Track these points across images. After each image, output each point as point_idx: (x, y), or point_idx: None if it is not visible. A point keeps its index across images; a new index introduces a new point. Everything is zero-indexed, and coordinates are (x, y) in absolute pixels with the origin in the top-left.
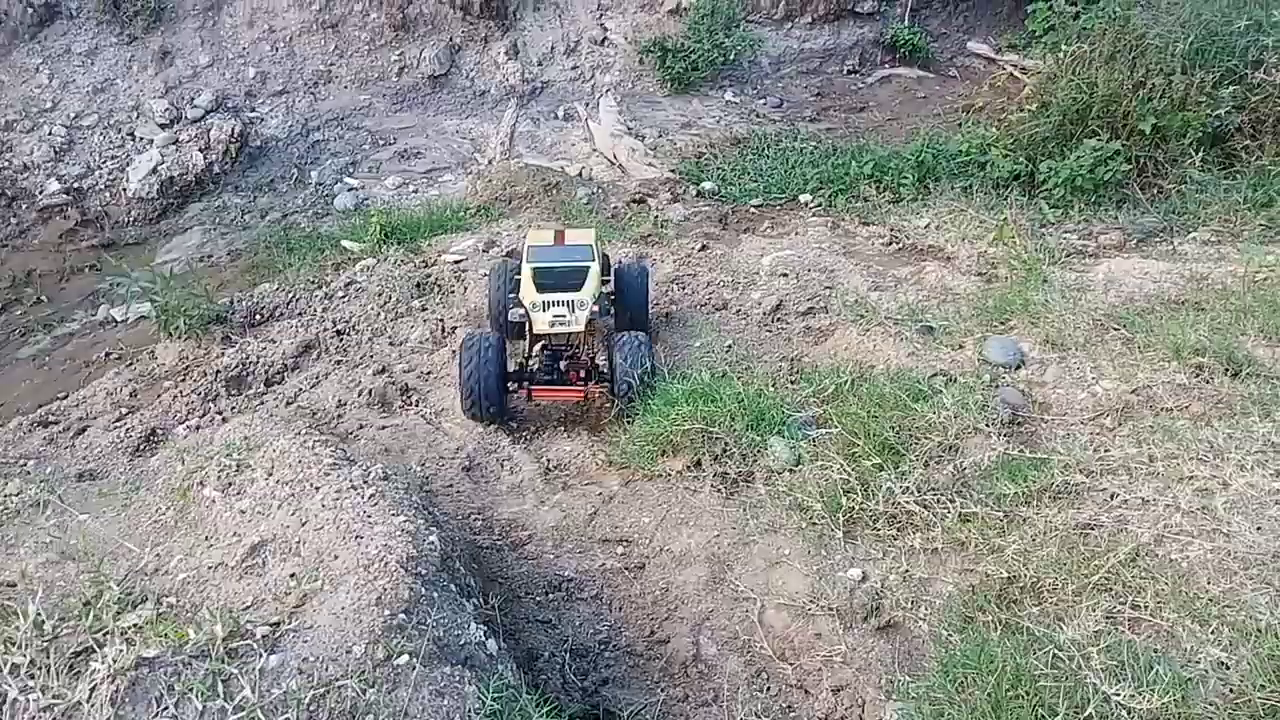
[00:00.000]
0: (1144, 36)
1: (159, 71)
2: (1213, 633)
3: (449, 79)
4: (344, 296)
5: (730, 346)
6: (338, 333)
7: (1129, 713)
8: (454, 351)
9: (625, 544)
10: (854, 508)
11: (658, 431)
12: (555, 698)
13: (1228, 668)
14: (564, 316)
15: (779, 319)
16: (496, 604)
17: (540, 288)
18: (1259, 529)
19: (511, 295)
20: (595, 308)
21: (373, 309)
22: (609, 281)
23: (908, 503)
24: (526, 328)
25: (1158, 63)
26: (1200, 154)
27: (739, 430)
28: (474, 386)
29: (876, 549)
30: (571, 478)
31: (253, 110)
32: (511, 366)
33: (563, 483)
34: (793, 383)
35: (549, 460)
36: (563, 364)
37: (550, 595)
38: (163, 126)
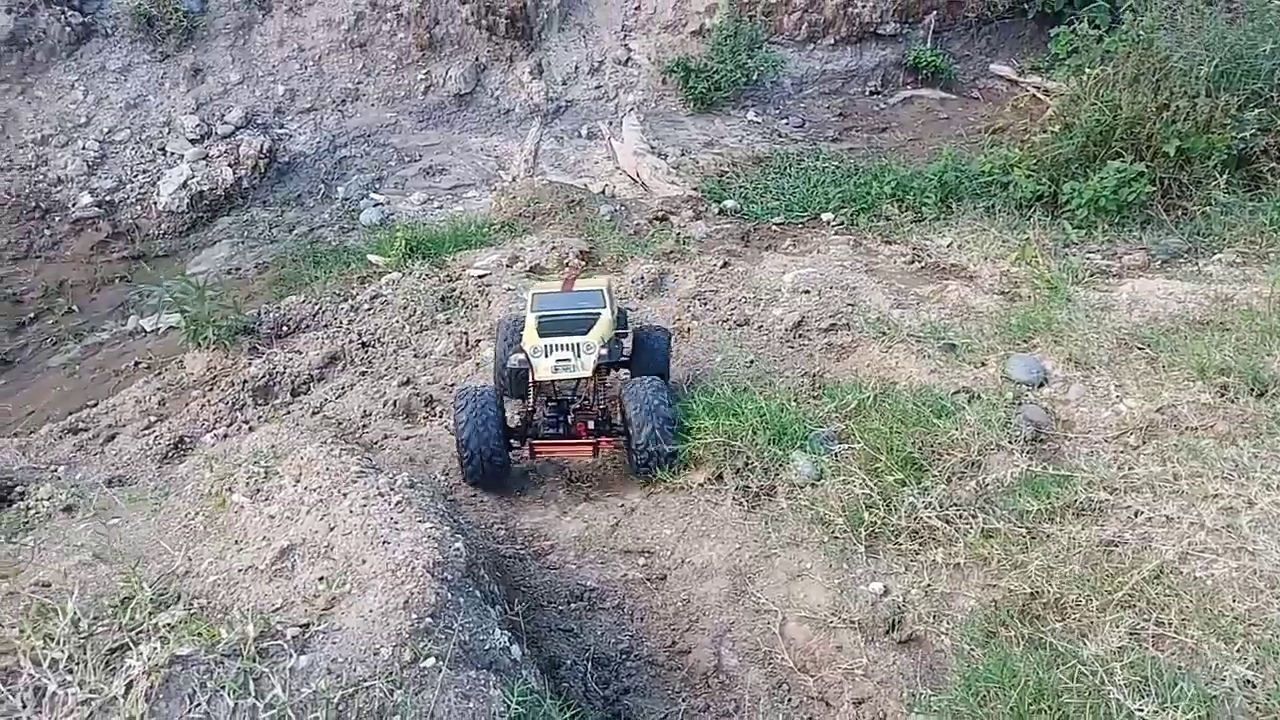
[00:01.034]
0: (1168, 59)
1: (190, 88)
2: (1238, 650)
3: (474, 97)
4: (369, 309)
5: (752, 362)
6: (363, 345)
7: None
8: (477, 364)
9: (647, 555)
10: (876, 522)
11: (680, 444)
12: (577, 705)
13: (1254, 686)
14: (568, 361)
15: (801, 335)
16: (520, 611)
17: (544, 333)
18: None
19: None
20: (603, 350)
21: (398, 322)
22: (625, 335)
23: (930, 518)
24: (528, 378)
25: (1182, 85)
26: (1225, 176)
27: (761, 444)
28: (474, 445)
29: (899, 563)
30: (593, 489)
31: (281, 127)
32: (514, 423)
33: (585, 494)
34: (815, 398)
35: (571, 471)
36: (569, 416)
37: (572, 604)
38: (193, 142)
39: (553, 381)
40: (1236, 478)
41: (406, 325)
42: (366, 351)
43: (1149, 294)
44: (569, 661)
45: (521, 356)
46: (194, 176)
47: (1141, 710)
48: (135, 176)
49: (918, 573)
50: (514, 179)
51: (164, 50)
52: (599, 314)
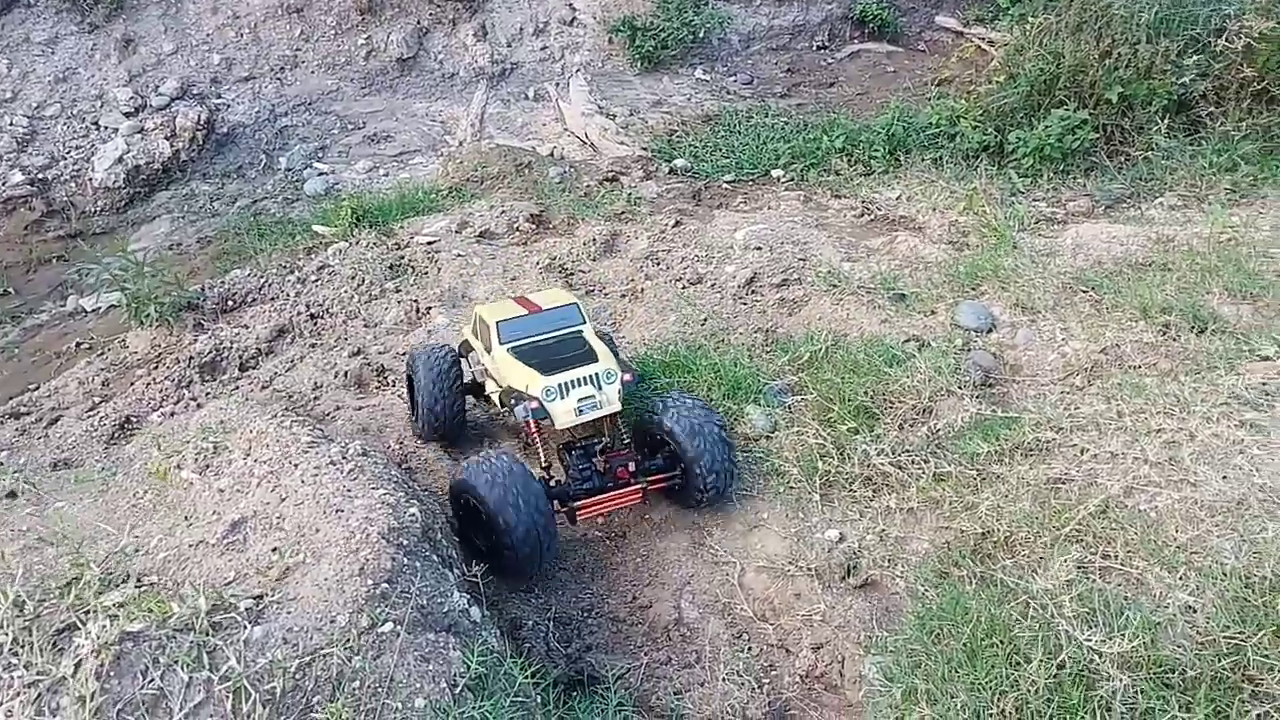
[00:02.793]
0: (1109, 6)
1: (122, 60)
2: (1180, 578)
3: (417, 62)
4: (317, 280)
5: (706, 320)
6: (311, 316)
7: (1101, 657)
8: (429, 332)
9: (606, 515)
10: (830, 471)
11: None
12: (540, 663)
13: (1195, 611)
14: (592, 398)
15: (754, 291)
16: (479, 574)
17: (544, 368)
18: (1224, 478)
19: (450, 389)
20: (628, 376)
21: (346, 292)
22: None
23: (883, 464)
24: (526, 428)
25: (1123, 32)
26: (1166, 121)
27: (716, 399)
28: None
29: (853, 510)
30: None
31: (219, 97)
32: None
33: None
34: (768, 352)
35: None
36: (600, 461)
37: None
38: (127, 115)
39: (575, 427)
40: (1178, 412)
41: (355, 295)
42: (315, 323)
43: (1093, 238)
44: (530, 621)
45: (535, 404)
46: (129, 151)
47: (1089, 640)
48: (68, 152)
49: (872, 519)
50: (461, 144)
51: (92, 20)
52: (582, 332)
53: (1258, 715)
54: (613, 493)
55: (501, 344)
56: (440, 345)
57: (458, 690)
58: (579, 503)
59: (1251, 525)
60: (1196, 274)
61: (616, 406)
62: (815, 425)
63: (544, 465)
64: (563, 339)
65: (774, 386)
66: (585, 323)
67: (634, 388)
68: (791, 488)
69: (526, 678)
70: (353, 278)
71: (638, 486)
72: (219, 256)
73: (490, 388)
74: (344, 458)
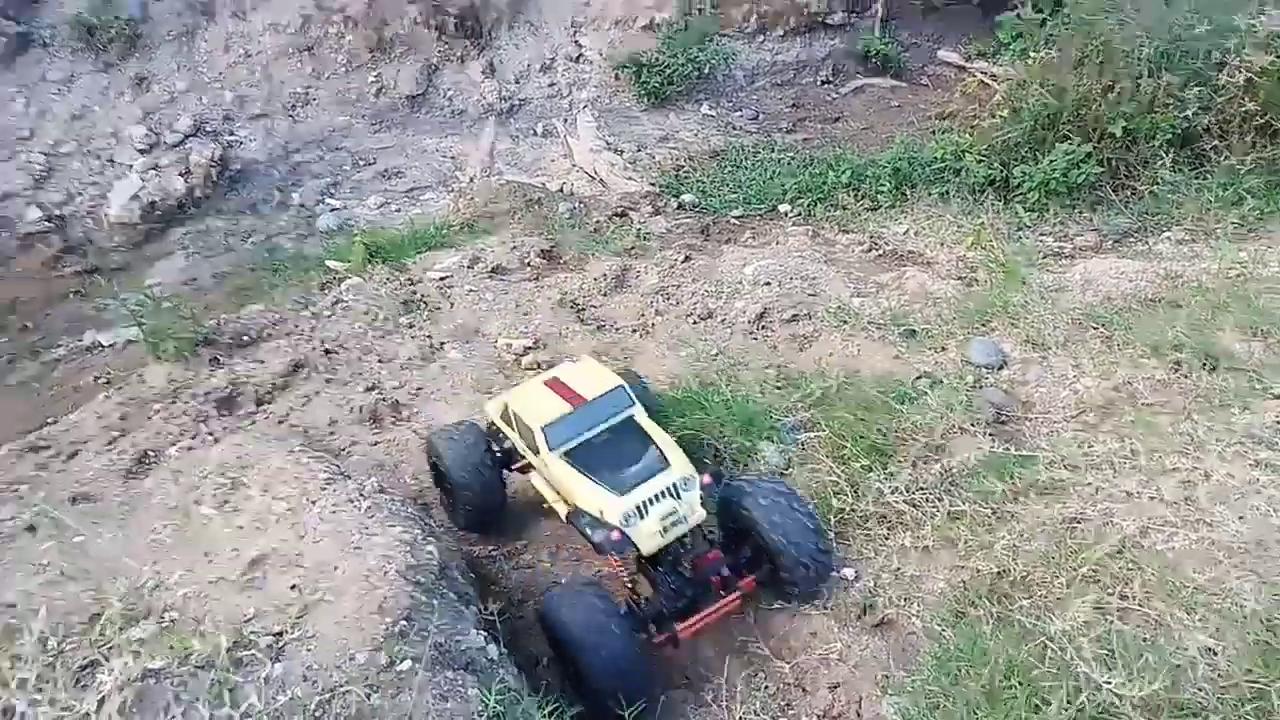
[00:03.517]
0: (1110, 42)
1: (136, 98)
2: (1200, 620)
3: (427, 99)
4: (331, 316)
5: (717, 355)
6: (326, 352)
7: (1120, 700)
8: (443, 367)
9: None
10: (844, 509)
11: None
12: (556, 700)
13: (1215, 654)
14: (674, 513)
15: (764, 327)
16: (495, 610)
17: (611, 484)
18: (1241, 518)
19: (485, 468)
20: (706, 478)
21: (360, 327)
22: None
23: (897, 502)
24: (609, 563)
25: (1125, 67)
26: (1170, 155)
27: (729, 436)
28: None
29: (868, 548)
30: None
31: (232, 134)
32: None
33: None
34: (780, 389)
35: None
36: (688, 569)
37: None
38: (142, 152)
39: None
40: (1192, 451)
41: (369, 330)
42: (330, 358)
43: (1101, 274)
44: (547, 658)
45: (615, 534)
46: (144, 187)
47: (1109, 683)
48: (84, 189)
49: (887, 557)
50: (471, 179)
51: (106, 59)
52: (634, 418)
53: None
54: (712, 606)
55: (552, 449)
56: (459, 423)
57: None
58: (679, 626)
59: (1270, 567)
60: (1206, 310)
61: (701, 515)
62: (829, 462)
63: (628, 583)
64: (620, 434)
65: (787, 423)
66: (634, 404)
67: (716, 489)
68: None
69: (544, 716)
70: (366, 313)
71: (736, 594)
72: (234, 292)
73: (541, 487)
74: (361, 495)
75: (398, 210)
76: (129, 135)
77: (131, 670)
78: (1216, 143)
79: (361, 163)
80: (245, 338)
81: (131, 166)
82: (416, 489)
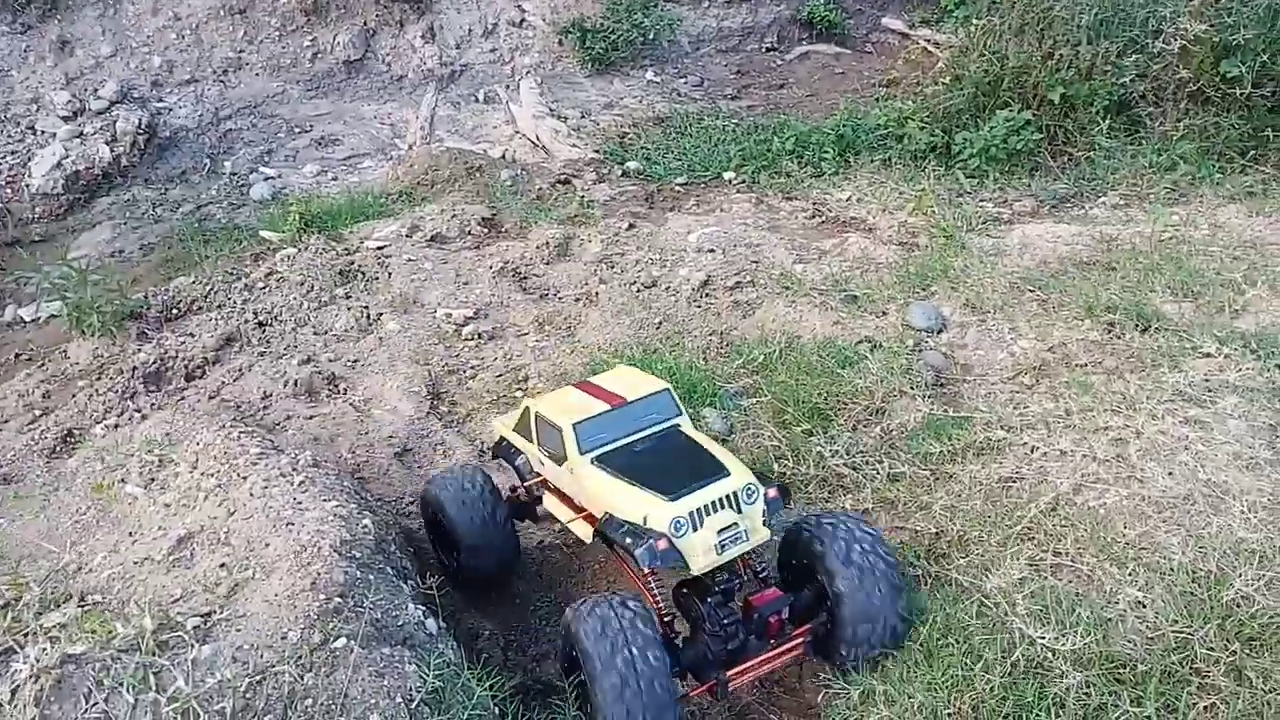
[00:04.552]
0: (1051, 9)
1: (58, 62)
2: (1130, 574)
3: (365, 64)
4: (264, 287)
5: (661, 323)
6: (260, 324)
7: (1054, 654)
8: (380, 339)
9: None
10: (786, 473)
11: None
12: (497, 673)
13: (1144, 606)
14: (734, 527)
15: (707, 294)
16: (435, 585)
17: (658, 487)
18: (1170, 474)
19: (495, 522)
20: (772, 491)
21: (295, 298)
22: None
23: (838, 465)
24: (642, 578)
25: (1064, 34)
26: (1107, 122)
27: None
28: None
29: (810, 511)
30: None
31: (160, 100)
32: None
33: (499, 463)
34: (723, 355)
35: (482, 442)
36: (737, 606)
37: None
38: (65, 119)
39: (714, 567)
40: (1124, 410)
41: (304, 301)
42: (264, 331)
43: (1038, 238)
44: (487, 631)
45: (662, 543)
46: (68, 156)
47: (1042, 637)
48: (3, 158)
49: None
50: (410, 147)
51: (25, 21)
52: (681, 427)
53: (1205, 706)
54: (770, 653)
55: (583, 453)
56: (462, 466)
57: (413, 705)
58: (730, 672)
59: (1197, 521)
60: (1139, 273)
61: (765, 535)
62: (770, 427)
63: (662, 616)
64: (664, 443)
65: (730, 390)
66: (682, 413)
67: (781, 504)
68: None
69: (484, 689)
70: (302, 284)
71: (798, 640)
72: (163, 264)
73: (556, 509)
74: (294, 469)
75: (334, 179)
76: (51, 102)
77: (50, 656)
78: (1152, 109)
79: (296, 130)
80: (174, 311)
81: (54, 134)
82: (353, 463)
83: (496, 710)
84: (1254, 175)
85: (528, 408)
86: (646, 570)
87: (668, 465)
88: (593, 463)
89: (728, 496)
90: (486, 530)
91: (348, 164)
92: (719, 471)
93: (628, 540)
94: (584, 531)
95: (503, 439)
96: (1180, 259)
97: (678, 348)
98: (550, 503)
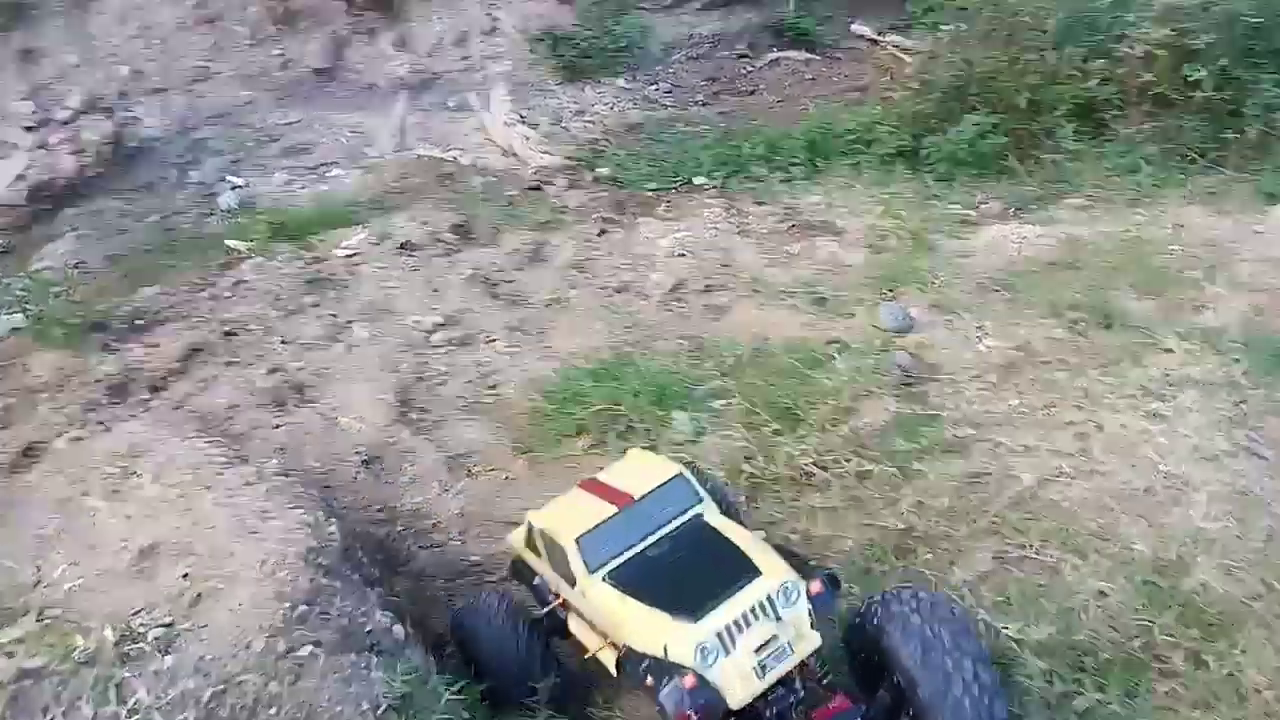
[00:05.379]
0: (1017, 15)
1: (22, 72)
2: (1092, 565)
3: (335, 73)
4: (231, 297)
5: (632, 327)
6: (226, 334)
7: (1018, 644)
8: (349, 348)
9: None
10: (755, 473)
11: (563, 414)
12: (466, 678)
13: (1106, 596)
14: (774, 640)
15: (679, 298)
16: (402, 591)
17: (674, 606)
18: (1133, 466)
19: (532, 649)
20: (817, 585)
21: (263, 308)
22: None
23: (807, 465)
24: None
25: (1030, 39)
26: (1073, 125)
27: (643, 406)
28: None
29: (779, 510)
30: (475, 465)
31: (128, 110)
32: None
33: (467, 470)
34: (694, 358)
35: (452, 450)
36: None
37: (458, 580)
38: (29, 130)
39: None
40: (1088, 405)
41: (273, 311)
42: (230, 341)
43: (1005, 239)
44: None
45: (689, 681)
46: (32, 167)
47: (1006, 628)
48: None
49: (796, 518)
50: (381, 155)
51: None
52: (704, 517)
53: (1165, 691)
54: None
55: (593, 571)
56: (487, 596)
57: (380, 711)
58: None
59: (1158, 512)
60: (1103, 272)
61: (815, 642)
62: (740, 429)
63: None
64: (685, 541)
65: (700, 392)
66: (702, 499)
67: (831, 599)
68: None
69: (452, 694)
70: (269, 293)
71: None
72: (128, 275)
73: (582, 634)
74: (260, 478)
75: (304, 187)
76: (14, 112)
77: (6, 671)
78: (1116, 113)
79: (266, 139)
80: (139, 321)
81: (17, 145)
82: (321, 471)
83: (465, 715)
84: (1215, 176)
85: (532, 522)
86: (676, 717)
87: (687, 572)
88: (604, 580)
89: (762, 604)
90: (521, 654)
91: (317, 172)
92: (747, 572)
93: (649, 681)
94: (609, 658)
95: (517, 558)
96: (1143, 258)
97: (649, 352)
98: (576, 626)
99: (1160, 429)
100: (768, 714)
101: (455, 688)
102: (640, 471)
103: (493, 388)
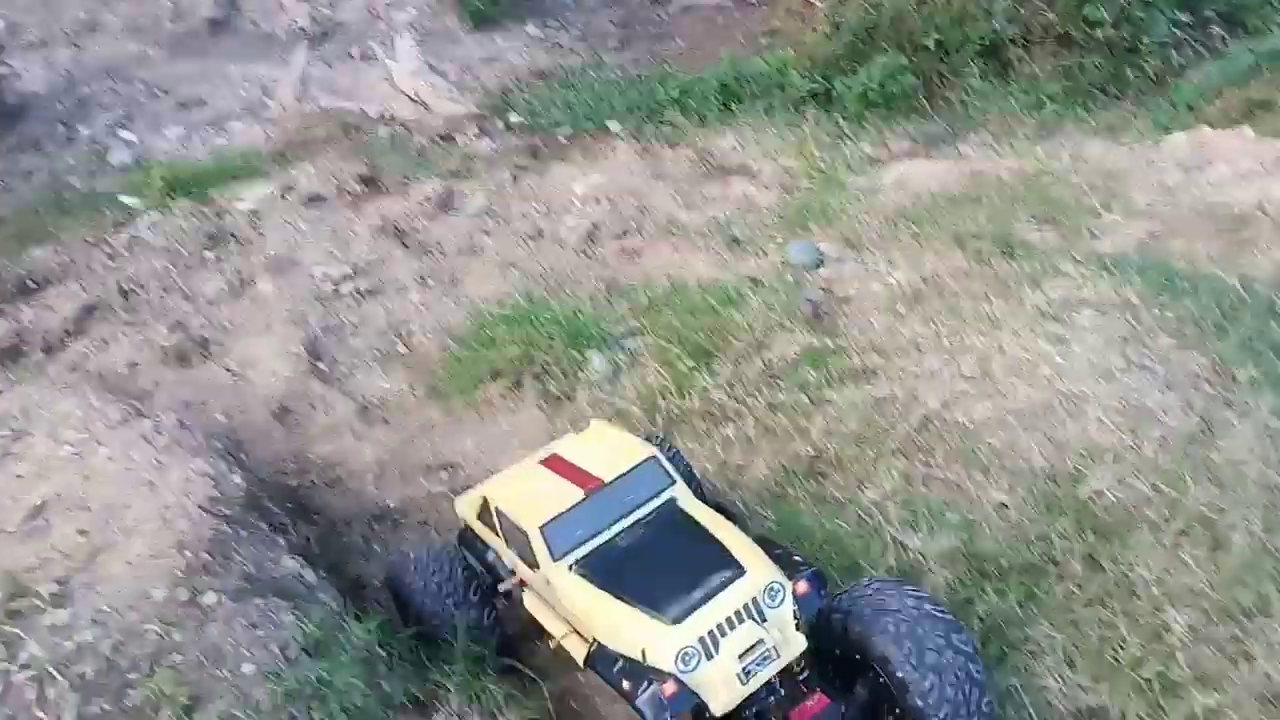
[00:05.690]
0: None
1: None
2: (994, 479)
3: (230, 23)
4: (128, 255)
5: (546, 272)
6: (123, 293)
7: (924, 556)
8: (252, 300)
9: (449, 469)
10: (672, 409)
11: (477, 360)
12: (390, 620)
13: (1007, 507)
14: (759, 645)
15: (594, 243)
16: (314, 537)
17: (657, 607)
18: (1031, 385)
19: (468, 600)
20: (803, 585)
21: (162, 265)
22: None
23: (721, 399)
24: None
25: None
26: (979, 65)
27: (558, 349)
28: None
29: (695, 443)
30: (390, 413)
31: (6, 66)
32: None
33: (381, 418)
34: (610, 301)
35: (365, 398)
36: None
37: (375, 526)
38: None
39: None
40: (990, 330)
41: (172, 267)
42: (129, 299)
43: (913, 176)
44: (378, 580)
45: (669, 688)
46: None
47: (913, 543)
48: None
49: (712, 450)
50: (282, 107)
51: None
52: (677, 503)
53: (1063, 594)
54: None
55: (558, 559)
56: (427, 548)
57: (291, 654)
58: None
59: (1056, 427)
60: (1006, 204)
61: (801, 644)
62: (656, 367)
63: None
64: (659, 529)
65: (616, 333)
66: (674, 481)
67: (817, 600)
68: (635, 427)
69: (369, 633)
70: (168, 250)
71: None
72: (16, 236)
73: (544, 617)
74: (158, 432)
75: (201, 142)
76: None
77: None
78: (1020, 53)
79: (158, 93)
80: (30, 283)
81: None
82: (229, 426)
83: (384, 654)
84: (1115, 111)
85: (487, 496)
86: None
87: (664, 565)
88: (571, 570)
89: (747, 606)
90: (457, 607)
91: (215, 126)
92: (730, 570)
93: (625, 685)
94: (576, 649)
95: (468, 527)
96: (1043, 189)
97: (565, 296)
98: (534, 607)
99: (1058, 350)
100: (746, 714)
101: (370, 627)
102: (607, 450)
103: (405, 336)
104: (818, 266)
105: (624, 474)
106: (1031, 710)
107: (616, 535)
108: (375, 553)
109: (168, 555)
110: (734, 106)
